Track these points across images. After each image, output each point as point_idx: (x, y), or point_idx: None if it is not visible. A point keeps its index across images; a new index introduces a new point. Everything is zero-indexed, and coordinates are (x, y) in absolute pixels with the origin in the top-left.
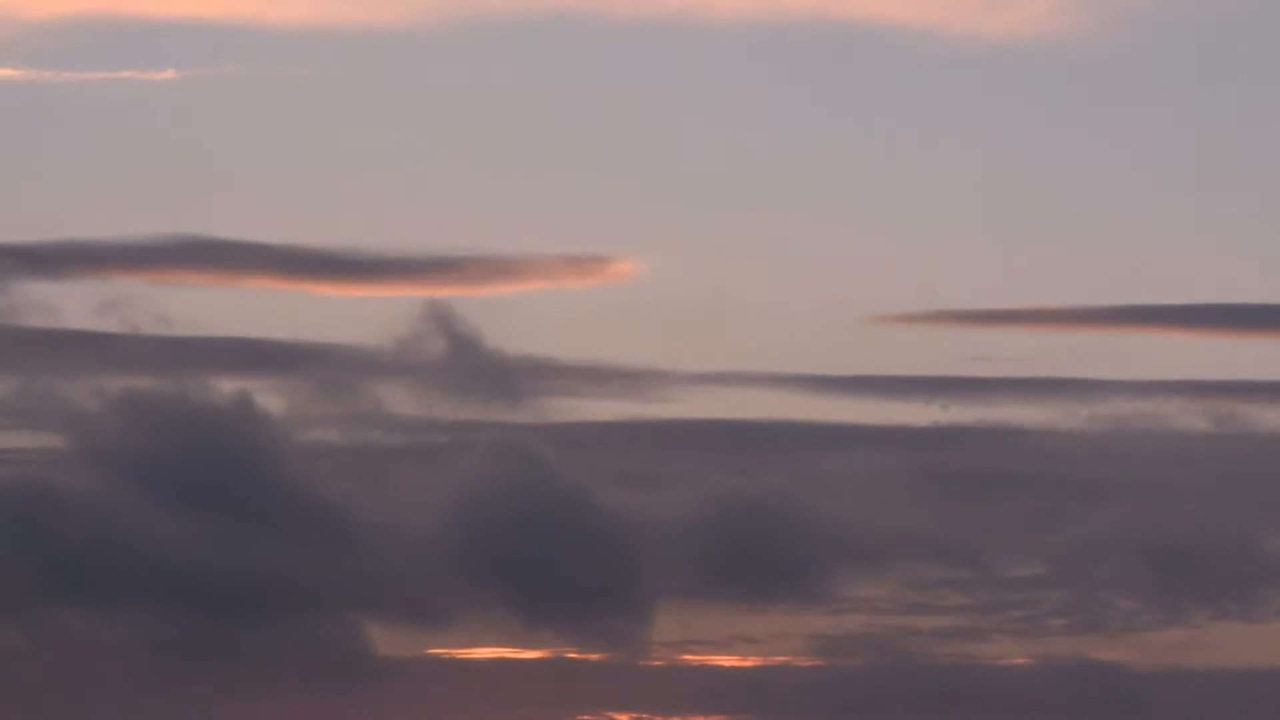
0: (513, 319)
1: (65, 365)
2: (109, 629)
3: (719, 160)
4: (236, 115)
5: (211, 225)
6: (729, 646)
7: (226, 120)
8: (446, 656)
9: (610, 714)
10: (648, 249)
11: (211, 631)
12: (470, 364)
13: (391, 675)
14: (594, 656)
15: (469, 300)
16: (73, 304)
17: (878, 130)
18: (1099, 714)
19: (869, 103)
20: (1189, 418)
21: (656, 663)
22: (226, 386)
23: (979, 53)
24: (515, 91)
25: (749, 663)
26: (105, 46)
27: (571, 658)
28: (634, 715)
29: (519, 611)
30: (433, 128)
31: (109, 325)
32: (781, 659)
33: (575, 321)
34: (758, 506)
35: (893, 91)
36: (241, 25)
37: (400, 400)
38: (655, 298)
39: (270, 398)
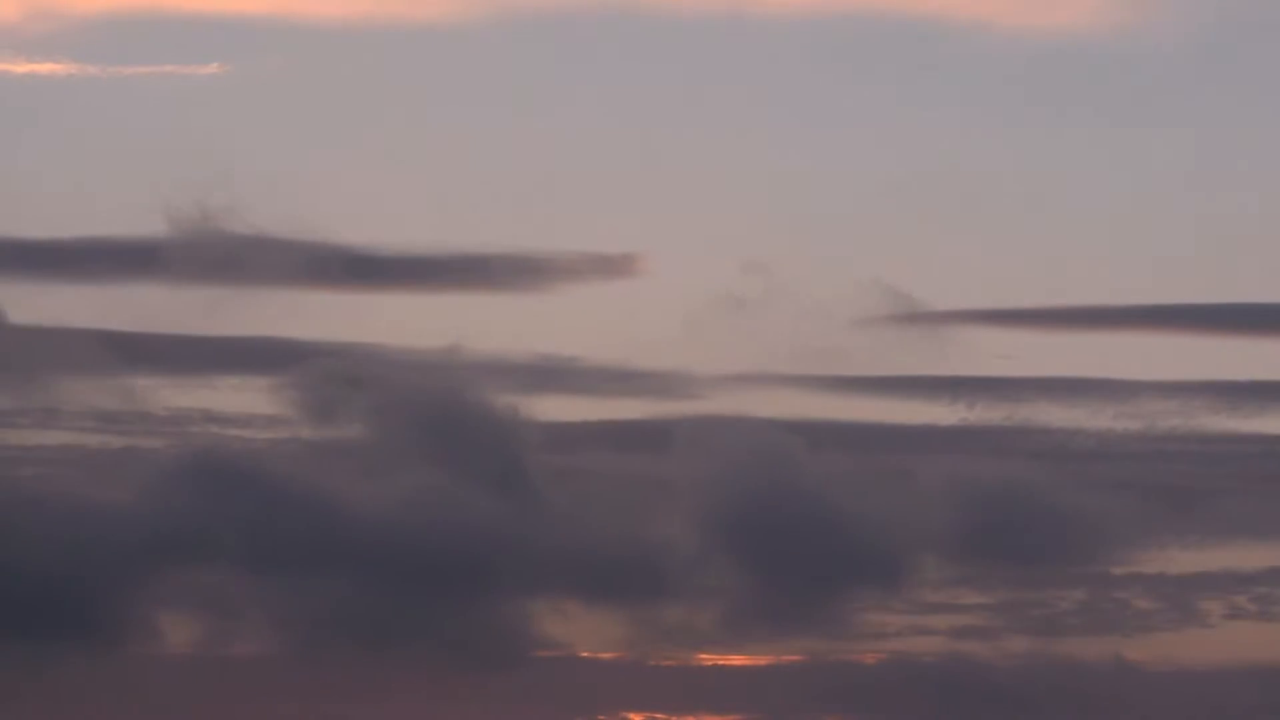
0: None
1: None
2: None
3: (745, 157)
4: (280, 110)
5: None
6: None
7: (270, 115)
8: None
9: (625, 714)
10: (669, 246)
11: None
12: None
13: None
14: (605, 655)
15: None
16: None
17: (917, 125)
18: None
19: (916, 96)
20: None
21: (668, 663)
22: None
23: (1028, 49)
24: (546, 89)
25: (760, 661)
26: (148, 41)
27: (584, 656)
28: (647, 715)
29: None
30: (466, 126)
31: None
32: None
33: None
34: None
35: (945, 86)
36: (285, 20)
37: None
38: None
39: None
